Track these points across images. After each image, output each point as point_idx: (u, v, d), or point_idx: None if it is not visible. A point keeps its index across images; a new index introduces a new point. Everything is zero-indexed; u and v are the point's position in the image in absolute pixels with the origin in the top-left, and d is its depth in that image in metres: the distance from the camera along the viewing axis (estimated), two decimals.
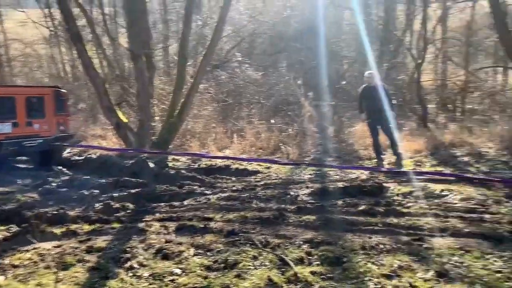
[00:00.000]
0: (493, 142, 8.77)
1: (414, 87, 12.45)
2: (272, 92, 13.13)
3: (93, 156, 9.75)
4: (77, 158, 9.91)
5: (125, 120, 9.50)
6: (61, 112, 9.18)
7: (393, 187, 5.73)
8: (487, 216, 4.61)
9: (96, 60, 14.85)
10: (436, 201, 5.23)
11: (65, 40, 19.45)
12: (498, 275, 3.27)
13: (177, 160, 9.04)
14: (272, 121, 11.21)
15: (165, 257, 3.77)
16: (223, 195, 5.87)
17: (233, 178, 7.26)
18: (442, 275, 3.28)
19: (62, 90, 9.46)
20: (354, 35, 16.40)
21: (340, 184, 6.11)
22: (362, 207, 5.03)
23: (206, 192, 6.12)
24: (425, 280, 3.21)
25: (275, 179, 7.11)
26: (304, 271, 3.41)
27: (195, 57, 13.91)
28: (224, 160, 8.31)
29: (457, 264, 3.47)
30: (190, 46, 12.80)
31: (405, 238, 4.08)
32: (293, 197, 5.69)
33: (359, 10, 16.30)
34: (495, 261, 3.53)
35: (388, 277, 3.29)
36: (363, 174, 7.04)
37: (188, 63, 11.81)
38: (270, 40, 16.74)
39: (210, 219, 4.80)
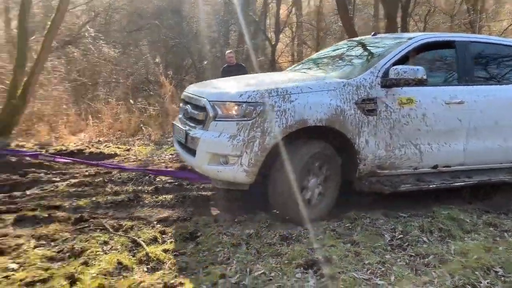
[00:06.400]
0: None
1: (269, 67, 13.12)
2: (131, 71, 12.53)
3: None
4: None
5: None
6: None
7: None
8: None
9: None
10: None
11: None
12: None
13: (21, 146, 8.08)
14: (132, 101, 10.73)
15: None
16: (73, 181, 5.44)
17: None
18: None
19: None
20: (214, 15, 16.55)
21: None
22: None
23: (54, 179, 5.60)
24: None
25: (134, 161, 6.86)
26: (156, 250, 3.37)
27: (43, 32, 12.48)
28: (76, 144, 7.70)
29: None
30: (37, 19, 11.43)
31: None
32: (151, 178, 5.57)
33: None
34: None
35: (237, 246, 3.45)
36: None
37: (33, 38, 10.57)
38: (129, 16, 15.92)
39: (57, 208, 4.41)
